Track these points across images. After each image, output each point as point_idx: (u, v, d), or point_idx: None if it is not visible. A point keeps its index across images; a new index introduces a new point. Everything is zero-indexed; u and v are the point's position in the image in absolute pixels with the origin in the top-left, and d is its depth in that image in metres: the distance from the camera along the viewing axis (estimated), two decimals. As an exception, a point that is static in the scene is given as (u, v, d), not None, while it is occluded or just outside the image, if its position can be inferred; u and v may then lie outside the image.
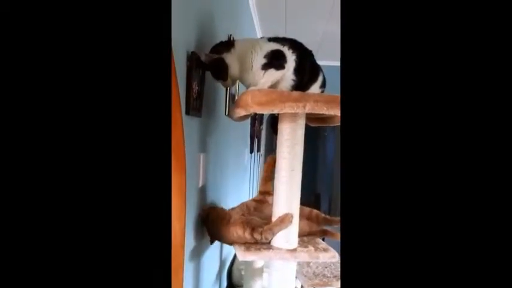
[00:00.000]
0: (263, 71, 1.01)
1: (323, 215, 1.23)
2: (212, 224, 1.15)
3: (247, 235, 1.04)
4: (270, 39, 1.06)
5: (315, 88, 1.10)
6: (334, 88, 1.08)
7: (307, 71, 1.06)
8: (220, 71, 1.06)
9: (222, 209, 1.23)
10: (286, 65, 1.02)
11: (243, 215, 1.14)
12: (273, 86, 1.04)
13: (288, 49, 1.03)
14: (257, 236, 1.03)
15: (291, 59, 1.03)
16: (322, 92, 1.12)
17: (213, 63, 1.05)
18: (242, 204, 1.25)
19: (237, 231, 1.05)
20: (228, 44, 1.07)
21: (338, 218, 1.20)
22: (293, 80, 1.04)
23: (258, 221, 1.08)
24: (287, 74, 1.04)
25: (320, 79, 1.10)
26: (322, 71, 1.12)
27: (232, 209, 1.24)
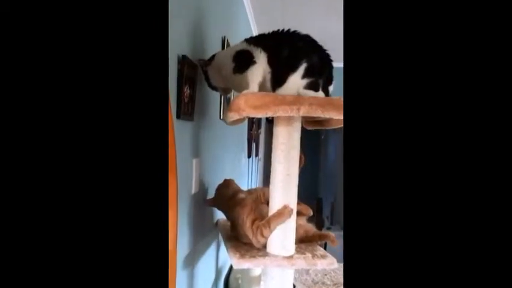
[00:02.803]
0: (238, 74, 1.05)
1: (315, 230, 1.23)
2: (222, 196, 1.25)
3: (248, 222, 1.07)
4: (246, 41, 1.09)
5: (295, 79, 1.00)
6: (333, 86, 1.08)
7: (283, 60, 1.01)
8: (207, 82, 1.19)
9: (237, 187, 1.32)
10: (257, 59, 1.02)
11: (255, 201, 1.16)
12: (263, 82, 1.04)
13: (254, 45, 1.04)
14: (254, 229, 1.04)
15: (257, 51, 1.03)
16: (310, 82, 1.01)
17: (204, 75, 1.18)
18: (259, 189, 1.25)
19: (243, 214, 1.09)
20: (210, 58, 1.16)
21: (328, 233, 1.21)
22: (269, 72, 1.03)
23: (263, 212, 1.09)
24: (264, 67, 1.03)
25: (302, 68, 0.99)
26: (308, 60, 1.00)
27: (249, 191, 1.27)
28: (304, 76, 1.00)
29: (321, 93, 1.03)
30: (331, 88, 1.07)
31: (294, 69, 0.99)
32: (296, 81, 1.00)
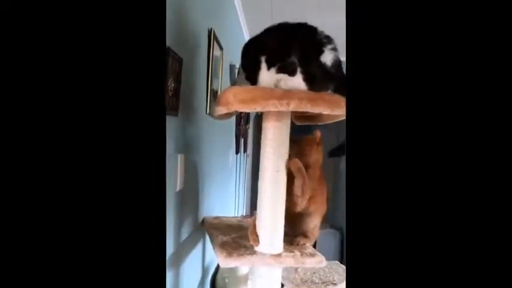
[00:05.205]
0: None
1: None
2: None
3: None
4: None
5: (263, 75, 1.03)
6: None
7: (248, 66, 1.10)
8: None
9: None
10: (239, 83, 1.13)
11: None
12: None
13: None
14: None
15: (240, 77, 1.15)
16: (278, 67, 1.00)
17: None
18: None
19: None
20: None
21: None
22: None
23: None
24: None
25: (263, 61, 1.03)
26: (264, 52, 1.02)
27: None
28: (269, 67, 1.02)
29: (298, 77, 0.99)
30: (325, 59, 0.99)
31: (258, 67, 1.03)
32: (265, 75, 1.02)
